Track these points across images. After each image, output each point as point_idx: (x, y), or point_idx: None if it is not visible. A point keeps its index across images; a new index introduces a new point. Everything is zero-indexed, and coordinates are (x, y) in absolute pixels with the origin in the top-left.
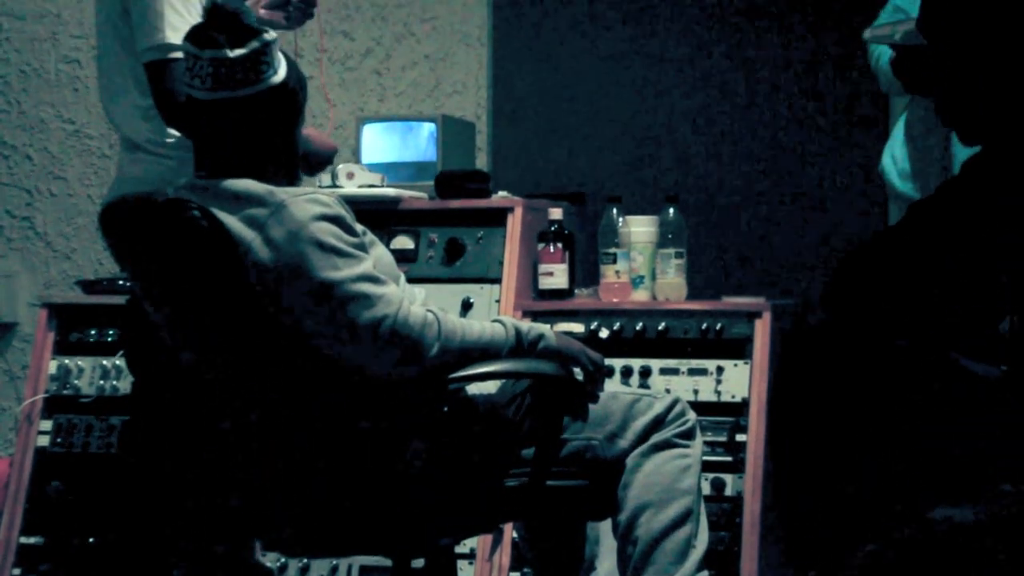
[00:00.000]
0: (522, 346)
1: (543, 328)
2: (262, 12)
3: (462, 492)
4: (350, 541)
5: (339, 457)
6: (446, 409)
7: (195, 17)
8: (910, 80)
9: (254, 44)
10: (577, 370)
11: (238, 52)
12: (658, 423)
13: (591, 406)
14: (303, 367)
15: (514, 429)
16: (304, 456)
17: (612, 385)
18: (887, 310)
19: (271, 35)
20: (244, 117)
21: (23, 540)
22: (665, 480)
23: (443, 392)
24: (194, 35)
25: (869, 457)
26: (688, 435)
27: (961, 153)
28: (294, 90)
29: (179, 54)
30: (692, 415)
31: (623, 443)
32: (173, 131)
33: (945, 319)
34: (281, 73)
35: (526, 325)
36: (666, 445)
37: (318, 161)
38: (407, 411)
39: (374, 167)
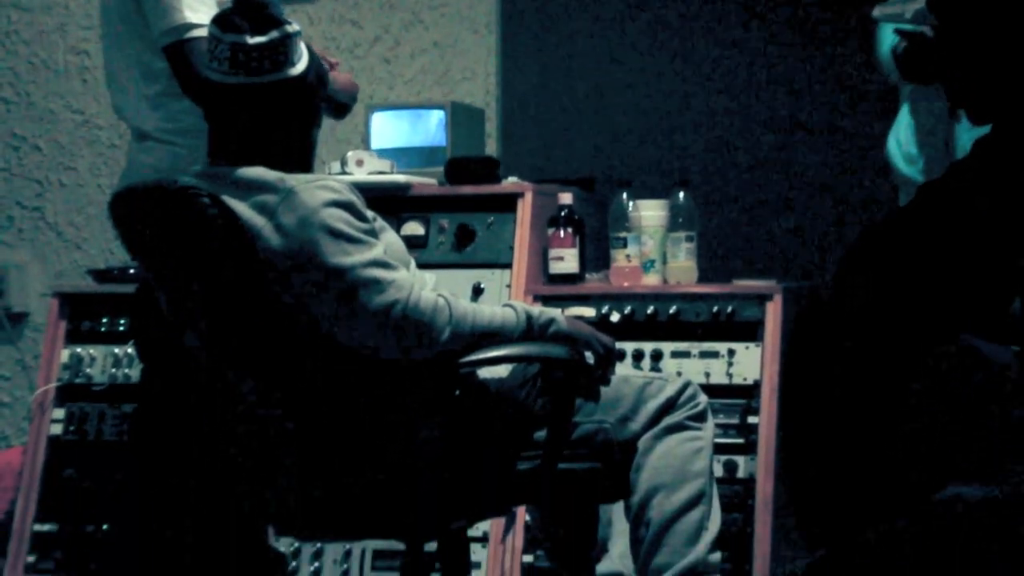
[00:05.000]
0: (533, 330)
1: (554, 312)
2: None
3: (474, 475)
4: (363, 525)
5: (351, 441)
6: (457, 393)
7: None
8: (909, 69)
9: (275, 34)
10: (588, 354)
11: (258, 39)
12: (670, 406)
13: (603, 390)
14: (314, 352)
15: (526, 412)
16: (316, 440)
17: (623, 369)
18: (898, 292)
19: (294, 28)
20: (257, 105)
21: (37, 528)
22: (677, 462)
23: (454, 376)
24: (219, 19)
25: (881, 439)
26: (700, 417)
27: (964, 135)
28: (311, 85)
29: (197, 32)
30: (703, 398)
31: (635, 426)
32: (183, 118)
33: (956, 301)
34: (300, 66)
35: (537, 309)
36: (678, 428)
37: (339, 104)
38: (418, 395)
39: (384, 154)
